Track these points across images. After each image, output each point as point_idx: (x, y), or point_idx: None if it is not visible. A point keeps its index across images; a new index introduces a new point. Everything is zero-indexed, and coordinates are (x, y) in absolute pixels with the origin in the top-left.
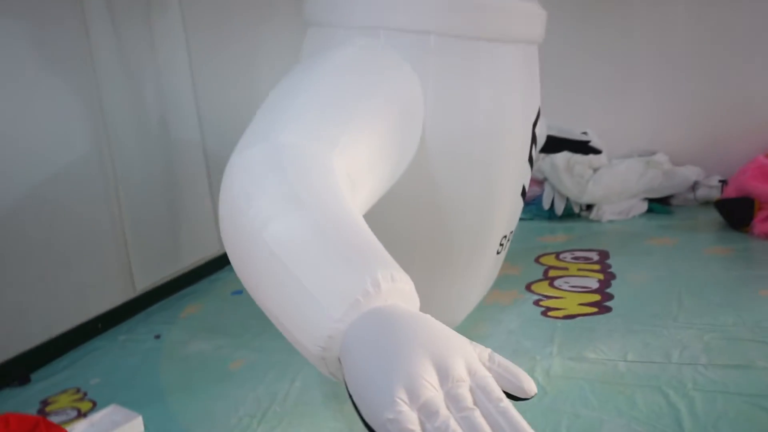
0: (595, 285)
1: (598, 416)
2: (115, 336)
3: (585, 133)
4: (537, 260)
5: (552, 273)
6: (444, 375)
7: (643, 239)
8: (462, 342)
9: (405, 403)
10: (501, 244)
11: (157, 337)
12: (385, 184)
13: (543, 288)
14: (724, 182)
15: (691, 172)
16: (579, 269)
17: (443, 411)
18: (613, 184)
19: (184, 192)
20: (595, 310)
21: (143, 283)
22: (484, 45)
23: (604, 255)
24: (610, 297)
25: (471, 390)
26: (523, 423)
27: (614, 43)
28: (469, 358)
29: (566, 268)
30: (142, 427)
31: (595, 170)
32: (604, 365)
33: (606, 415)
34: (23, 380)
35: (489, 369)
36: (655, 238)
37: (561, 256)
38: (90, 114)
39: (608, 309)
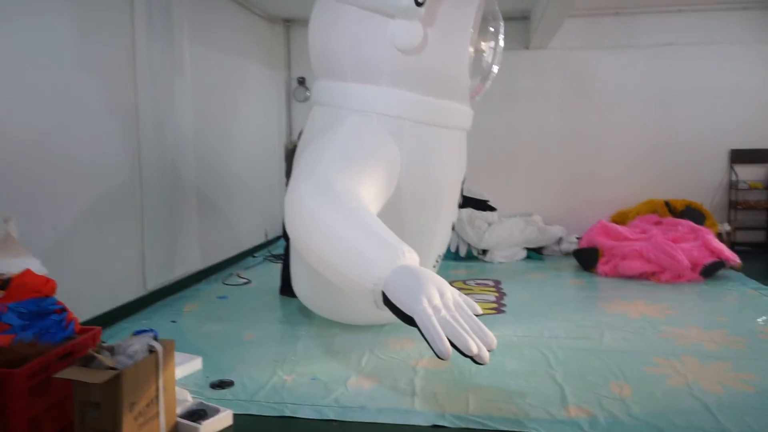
0: (493, 299)
1: (501, 361)
2: (137, 320)
3: (482, 195)
4: (450, 284)
5: (463, 293)
6: (441, 294)
7: (524, 274)
8: (447, 283)
9: (426, 302)
10: (437, 261)
11: (174, 322)
12: (377, 211)
13: None
14: (579, 238)
15: (558, 230)
16: (481, 290)
17: (443, 309)
18: (502, 235)
19: (180, 218)
20: (494, 311)
21: (152, 284)
22: (438, 130)
23: (497, 282)
24: (504, 305)
25: (453, 304)
26: (476, 319)
27: (504, 132)
28: (453, 290)
29: (472, 289)
30: (200, 365)
31: (490, 224)
32: (503, 338)
33: (507, 360)
34: None
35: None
36: (532, 273)
37: (467, 282)
38: (130, 152)
39: (503, 311)
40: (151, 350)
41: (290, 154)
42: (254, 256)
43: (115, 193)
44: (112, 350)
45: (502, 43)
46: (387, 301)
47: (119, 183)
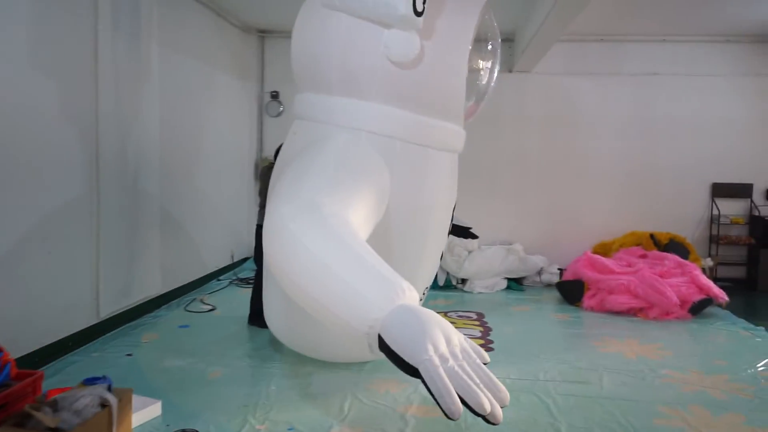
0: (478, 334)
1: None
2: (87, 353)
3: (463, 221)
4: None
5: None
6: (448, 341)
7: (506, 306)
8: (453, 327)
9: (432, 350)
10: (423, 293)
11: (129, 355)
12: (367, 235)
13: None
14: (561, 270)
15: (539, 260)
16: (464, 323)
17: (451, 359)
18: (482, 264)
19: (140, 237)
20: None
21: (106, 311)
22: (430, 151)
23: (480, 315)
24: (491, 341)
25: (461, 351)
26: (487, 370)
27: (485, 157)
28: (459, 335)
29: (454, 322)
30: (160, 411)
31: (470, 252)
32: None
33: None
34: None
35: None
36: (515, 305)
37: (449, 314)
38: (87, 162)
39: (491, 349)
40: (104, 404)
41: (265, 172)
42: (219, 280)
43: (67, 206)
44: (54, 405)
45: (498, 62)
46: (384, 346)
47: (73, 196)
